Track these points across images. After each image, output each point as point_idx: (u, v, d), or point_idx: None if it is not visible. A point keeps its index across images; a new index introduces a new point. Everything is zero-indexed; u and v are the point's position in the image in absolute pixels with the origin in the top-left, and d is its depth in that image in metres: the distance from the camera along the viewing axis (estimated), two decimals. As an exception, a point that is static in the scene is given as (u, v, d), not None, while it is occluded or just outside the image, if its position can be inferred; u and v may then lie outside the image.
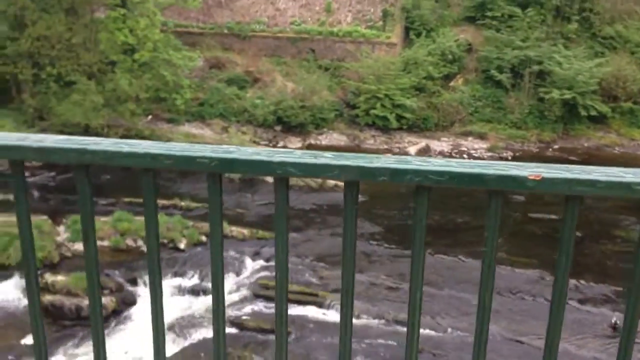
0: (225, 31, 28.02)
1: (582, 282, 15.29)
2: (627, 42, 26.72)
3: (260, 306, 13.63)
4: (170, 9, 25.75)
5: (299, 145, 23.27)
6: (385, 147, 23.46)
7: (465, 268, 15.50)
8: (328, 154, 1.36)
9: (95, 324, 1.60)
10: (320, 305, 13.61)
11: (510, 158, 23.31)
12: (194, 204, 17.29)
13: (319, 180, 19.75)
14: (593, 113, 24.43)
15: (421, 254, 1.49)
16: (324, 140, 23.90)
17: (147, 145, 1.43)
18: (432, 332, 12.88)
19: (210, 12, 28.85)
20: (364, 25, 28.30)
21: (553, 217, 17.47)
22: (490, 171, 1.30)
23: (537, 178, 1.28)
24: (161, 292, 1.59)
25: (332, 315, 13.28)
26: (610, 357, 12.84)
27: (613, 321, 14.10)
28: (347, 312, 1.53)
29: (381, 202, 18.01)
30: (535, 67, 25.49)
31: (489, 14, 27.75)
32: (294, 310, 13.11)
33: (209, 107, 24.42)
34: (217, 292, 1.58)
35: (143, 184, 1.45)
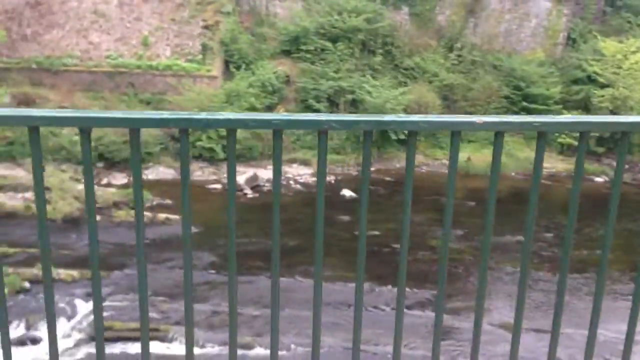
0: (34, 66, 26.38)
1: (407, 289, 16.64)
2: (424, 72, 29.84)
3: (98, 348, 12.95)
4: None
5: (125, 181, 22.54)
6: (214, 177, 23.60)
7: (299, 287, 16.13)
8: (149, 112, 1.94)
9: None
10: (162, 339, 13.30)
11: (333, 182, 24.69)
12: (11, 250, 15.98)
13: (150, 215, 19.33)
14: (402, 137, 26.82)
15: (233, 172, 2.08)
16: (150, 174, 23.39)
17: None
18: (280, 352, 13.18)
19: (15, 46, 27.01)
20: (183, 59, 28.35)
21: (376, 232, 18.86)
22: (280, 117, 1.94)
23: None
24: None
25: (175, 348, 13.07)
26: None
27: (436, 321, 15.55)
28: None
29: (213, 232, 18.08)
30: (349, 96, 27.49)
31: (303, 47, 29.39)
32: (136, 347, 12.68)
33: (20, 147, 22.72)
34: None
35: None
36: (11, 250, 15.88)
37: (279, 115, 1.93)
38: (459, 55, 30.54)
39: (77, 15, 28.39)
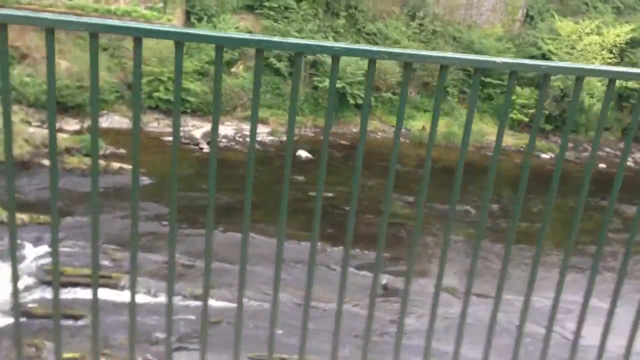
0: (-16, 1, 25.22)
1: (357, 250, 17.14)
2: (386, 38, 29.98)
3: (48, 292, 12.93)
4: None
5: (77, 127, 22.09)
6: (169, 129, 23.31)
7: (255, 244, 16.37)
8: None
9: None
10: (114, 286, 13.39)
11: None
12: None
13: (104, 163, 19.10)
14: (359, 101, 27.03)
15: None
16: (104, 122, 22.96)
17: None
18: (229, 304, 13.47)
19: (-36, -22, 25.69)
20: (143, 6, 27.59)
21: (329, 195, 19.20)
22: (340, 46, 2.24)
23: None
24: None
25: (127, 296, 13.16)
26: (383, 312, 14.72)
27: (383, 282, 16.15)
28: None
29: (168, 184, 18.02)
30: (310, 57, 27.37)
31: (266, 4, 29.04)
32: (86, 293, 12.76)
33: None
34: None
35: None
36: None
37: (339, 43, 2.20)
38: (421, 24, 30.79)
39: (32, -50, 27.14)
